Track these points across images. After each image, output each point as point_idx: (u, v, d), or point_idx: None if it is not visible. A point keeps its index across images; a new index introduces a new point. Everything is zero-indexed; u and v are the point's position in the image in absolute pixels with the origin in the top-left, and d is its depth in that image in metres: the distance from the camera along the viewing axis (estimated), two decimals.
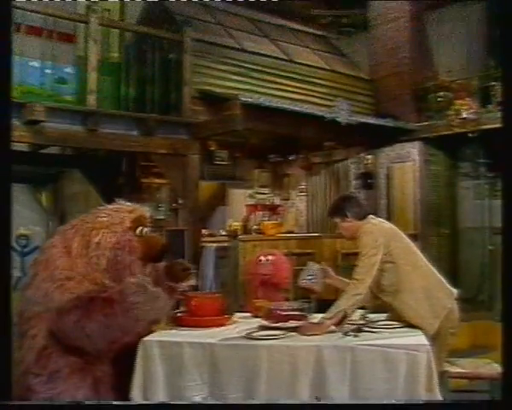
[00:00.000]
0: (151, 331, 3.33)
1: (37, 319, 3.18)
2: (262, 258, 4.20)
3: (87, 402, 3.04)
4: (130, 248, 3.36)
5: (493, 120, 7.67)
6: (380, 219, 3.92)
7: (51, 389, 3.10)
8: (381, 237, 3.62)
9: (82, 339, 3.10)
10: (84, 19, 7.22)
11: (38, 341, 3.15)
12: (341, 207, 3.86)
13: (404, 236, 3.82)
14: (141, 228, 3.48)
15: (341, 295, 3.46)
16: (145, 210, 3.67)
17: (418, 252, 3.81)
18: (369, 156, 9.64)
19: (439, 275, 3.77)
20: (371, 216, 3.84)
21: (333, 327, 3.33)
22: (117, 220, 3.41)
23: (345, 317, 3.39)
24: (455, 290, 3.76)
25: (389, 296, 3.67)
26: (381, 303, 3.76)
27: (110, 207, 3.56)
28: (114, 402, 3.07)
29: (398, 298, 3.63)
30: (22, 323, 3.24)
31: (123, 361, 3.21)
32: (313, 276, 3.70)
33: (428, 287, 3.66)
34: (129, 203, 3.64)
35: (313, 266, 3.78)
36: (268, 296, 4.04)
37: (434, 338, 3.41)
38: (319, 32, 11.41)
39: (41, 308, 3.17)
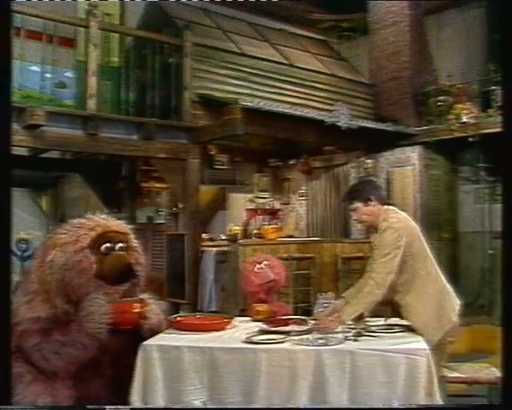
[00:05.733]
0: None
1: None
2: (257, 266, 4.18)
3: (89, 407, 3.03)
4: (79, 269, 3.14)
5: (493, 124, 7.66)
6: (403, 213, 3.71)
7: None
8: (406, 237, 3.47)
9: (39, 361, 3.05)
10: (85, 23, 7.24)
11: None
12: (363, 190, 3.67)
13: (423, 238, 3.65)
14: (107, 245, 3.27)
15: (358, 297, 3.40)
16: (116, 224, 3.43)
17: (432, 258, 3.67)
18: (369, 161, 9.64)
19: (448, 285, 3.67)
20: (393, 208, 3.69)
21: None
22: (72, 239, 3.20)
23: (361, 317, 3.37)
24: (458, 302, 3.67)
25: (398, 295, 3.57)
26: (385, 301, 3.67)
27: (75, 222, 3.35)
28: (120, 407, 3.05)
29: (405, 299, 3.56)
30: None
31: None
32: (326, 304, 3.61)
33: (437, 296, 3.57)
34: (97, 218, 3.38)
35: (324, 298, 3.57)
36: (268, 301, 4.05)
37: (434, 346, 3.37)
38: (319, 37, 11.43)
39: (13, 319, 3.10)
